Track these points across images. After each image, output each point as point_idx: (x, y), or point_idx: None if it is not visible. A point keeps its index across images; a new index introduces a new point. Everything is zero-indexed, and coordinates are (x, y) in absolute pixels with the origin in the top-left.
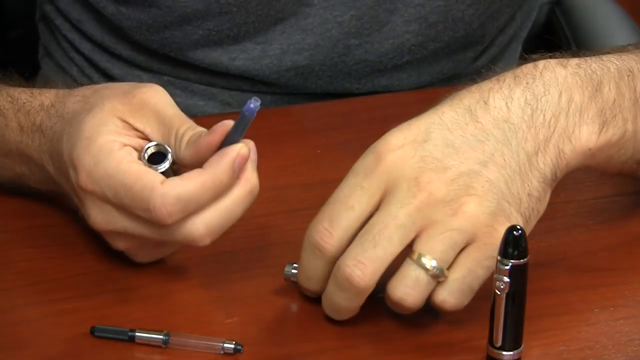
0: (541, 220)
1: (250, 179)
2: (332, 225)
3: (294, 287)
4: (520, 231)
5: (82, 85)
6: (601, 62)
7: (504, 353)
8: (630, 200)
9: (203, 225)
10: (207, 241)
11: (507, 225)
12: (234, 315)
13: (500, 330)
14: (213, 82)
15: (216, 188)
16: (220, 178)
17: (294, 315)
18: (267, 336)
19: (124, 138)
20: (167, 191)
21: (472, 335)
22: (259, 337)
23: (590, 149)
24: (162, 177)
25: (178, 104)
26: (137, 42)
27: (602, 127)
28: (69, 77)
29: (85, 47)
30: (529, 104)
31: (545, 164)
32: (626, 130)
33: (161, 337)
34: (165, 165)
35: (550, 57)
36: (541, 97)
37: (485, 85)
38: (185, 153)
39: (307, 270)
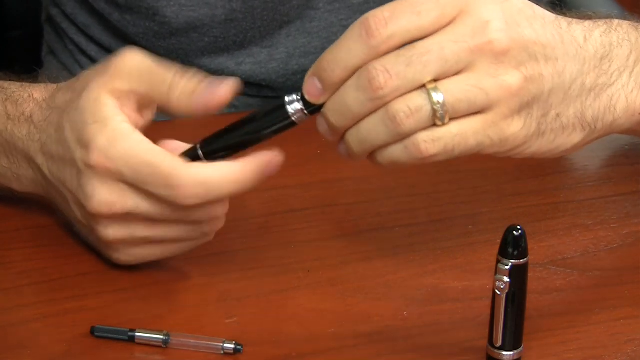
0: (541, 220)
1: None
2: (392, 18)
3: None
4: (520, 231)
5: None
6: None
7: (504, 353)
8: (630, 200)
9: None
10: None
11: (521, 122)
12: (234, 315)
13: (500, 330)
14: None
15: (238, 185)
16: (246, 177)
17: (294, 315)
18: (267, 336)
19: (126, 110)
20: (195, 171)
21: (472, 335)
22: (259, 337)
23: None
24: (185, 159)
25: None
26: (144, 48)
27: None
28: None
29: (92, 50)
30: (604, 47)
31: (592, 107)
32: None
33: (161, 337)
34: None
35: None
36: (614, 48)
37: (567, 15)
38: (181, 103)
39: (340, 50)
